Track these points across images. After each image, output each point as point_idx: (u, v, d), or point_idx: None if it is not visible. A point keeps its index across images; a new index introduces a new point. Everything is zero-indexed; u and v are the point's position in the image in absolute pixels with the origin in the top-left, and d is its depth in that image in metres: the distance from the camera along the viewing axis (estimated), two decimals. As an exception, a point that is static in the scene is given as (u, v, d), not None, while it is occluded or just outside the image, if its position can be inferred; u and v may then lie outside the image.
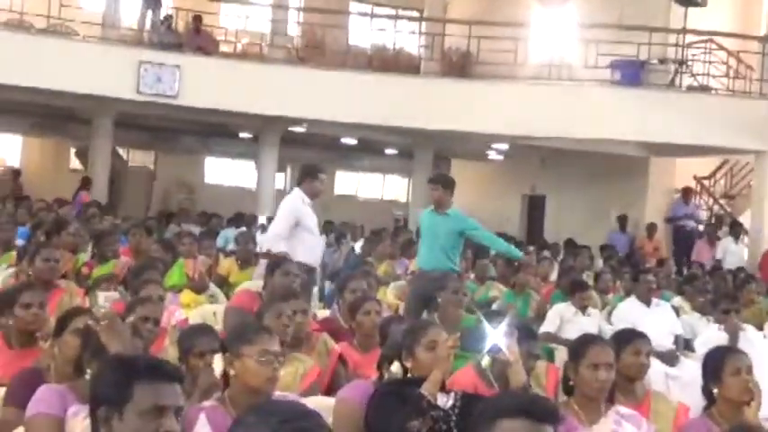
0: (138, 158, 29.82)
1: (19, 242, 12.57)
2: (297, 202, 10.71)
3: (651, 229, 22.01)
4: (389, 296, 11.90)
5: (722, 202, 24.17)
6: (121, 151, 27.31)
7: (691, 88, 20.59)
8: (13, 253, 11.54)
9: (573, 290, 11.30)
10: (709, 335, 10.17)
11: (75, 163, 28.50)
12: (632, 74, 20.57)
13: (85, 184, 21.69)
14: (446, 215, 10.83)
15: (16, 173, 28.71)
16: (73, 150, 28.00)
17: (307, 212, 10.69)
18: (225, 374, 5.01)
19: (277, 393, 5.01)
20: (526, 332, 6.11)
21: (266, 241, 11.05)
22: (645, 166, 22.97)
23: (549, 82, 21.02)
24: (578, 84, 20.78)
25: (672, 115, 19.50)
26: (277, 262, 8.91)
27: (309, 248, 10.64)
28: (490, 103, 20.39)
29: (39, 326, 6.18)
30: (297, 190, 10.81)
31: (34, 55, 19.13)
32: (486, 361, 5.70)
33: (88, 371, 4.64)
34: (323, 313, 9.27)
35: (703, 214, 23.56)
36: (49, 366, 5.30)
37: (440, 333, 5.51)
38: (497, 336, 5.35)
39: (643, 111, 19.64)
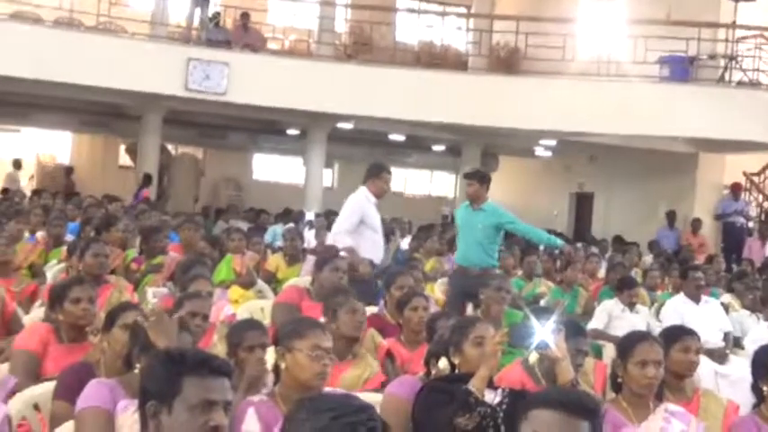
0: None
1: (69, 238, 12.66)
2: (362, 200, 10.76)
3: (696, 224, 21.88)
4: (437, 292, 11.89)
5: (772, 198, 23.97)
6: (170, 147, 27.41)
7: (741, 84, 20.44)
8: (64, 248, 11.64)
9: (621, 287, 11.25)
10: (759, 332, 10.11)
11: (124, 159, 28.66)
12: (681, 70, 20.47)
13: (147, 181, 21.80)
14: (482, 210, 10.83)
15: (69, 170, 28.95)
16: (123, 147, 28.17)
17: (371, 211, 10.74)
18: (276, 369, 5.04)
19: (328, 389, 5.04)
20: (574, 328, 6.08)
21: (331, 237, 11.12)
22: (694, 162, 22.81)
23: (597, 78, 20.92)
24: (627, 80, 20.67)
25: (721, 111, 19.38)
26: (326, 258, 8.94)
27: (372, 245, 10.70)
28: (538, 100, 20.35)
29: (88, 321, 6.21)
30: (362, 188, 10.84)
31: (83, 52, 19.27)
32: (533, 357, 5.69)
33: (137, 365, 4.67)
34: (369, 310, 9.26)
35: (753, 211, 23.36)
36: (99, 361, 5.33)
37: (487, 329, 5.49)
38: (545, 332, 5.34)
39: (692, 107, 19.52)
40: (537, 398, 3.28)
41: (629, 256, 16.54)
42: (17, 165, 27.82)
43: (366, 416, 2.93)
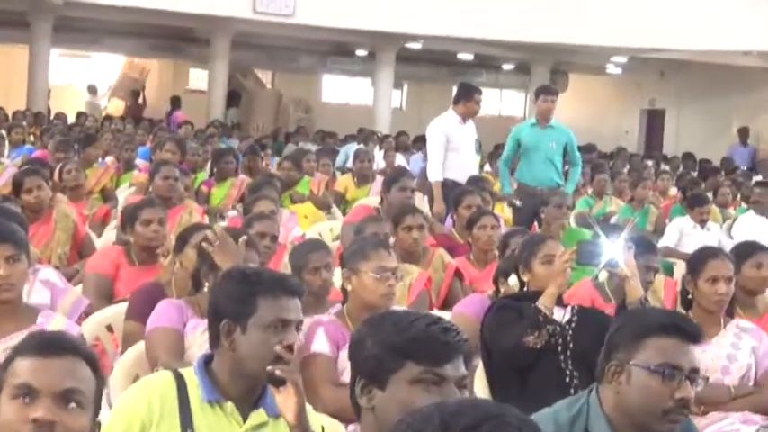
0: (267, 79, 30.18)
1: (139, 161, 12.78)
2: (440, 126, 10.50)
3: (775, 141, 21.67)
4: (506, 212, 11.85)
5: None
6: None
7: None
8: (135, 172, 11.74)
9: (692, 204, 11.15)
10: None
11: (193, 83, 28.80)
12: (755, -18, 20.13)
13: (176, 104, 22.11)
14: (551, 127, 10.69)
15: (136, 93, 29.10)
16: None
17: (454, 132, 10.50)
18: (343, 289, 5.06)
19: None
20: (645, 245, 6.04)
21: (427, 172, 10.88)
22: (767, 77, 22.52)
23: (669, -8, 20.65)
24: (699, -6, 20.39)
25: (796, 25, 19.08)
26: (395, 177, 8.94)
27: (456, 167, 10.42)
28: (609, 15, 20.13)
29: (159, 242, 6.27)
30: (449, 111, 10.69)
31: (151, -24, 19.33)
32: (603, 275, 5.66)
33: (206, 285, 4.71)
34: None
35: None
36: (170, 282, 5.39)
37: (557, 247, 5.46)
38: (615, 250, 5.31)
39: (766, 19, 19.21)
40: (650, 324, 3.33)
41: (711, 180, 15.89)
42: (92, 90, 27.96)
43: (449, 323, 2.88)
